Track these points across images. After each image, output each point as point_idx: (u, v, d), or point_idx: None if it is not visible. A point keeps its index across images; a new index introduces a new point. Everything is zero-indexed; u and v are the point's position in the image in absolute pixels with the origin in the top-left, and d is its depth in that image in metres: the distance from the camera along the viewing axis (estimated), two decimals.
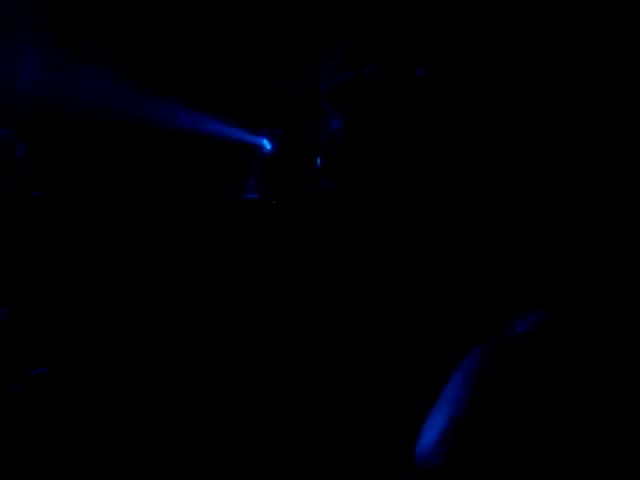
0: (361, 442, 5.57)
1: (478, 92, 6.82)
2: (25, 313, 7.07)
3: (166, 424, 5.99)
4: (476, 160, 6.82)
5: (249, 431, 5.75)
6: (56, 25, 8.81)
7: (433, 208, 6.86)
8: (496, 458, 1.14)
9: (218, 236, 8.45)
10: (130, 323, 7.46)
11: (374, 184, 7.17)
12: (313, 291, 7.13)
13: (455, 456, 1.22)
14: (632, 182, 5.91)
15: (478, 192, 6.75)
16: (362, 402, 6.21)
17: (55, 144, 9.12)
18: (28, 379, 4.34)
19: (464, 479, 1.18)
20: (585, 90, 6.27)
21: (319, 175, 7.96)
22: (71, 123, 8.96)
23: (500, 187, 6.67)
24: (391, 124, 6.99)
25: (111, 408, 6.07)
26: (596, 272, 5.63)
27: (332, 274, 7.06)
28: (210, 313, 7.56)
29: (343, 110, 7.51)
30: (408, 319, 6.42)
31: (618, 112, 6.11)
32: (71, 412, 5.77)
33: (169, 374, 6.71)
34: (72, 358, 6.57)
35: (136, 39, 8.75)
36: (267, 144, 8.68)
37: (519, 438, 1.22)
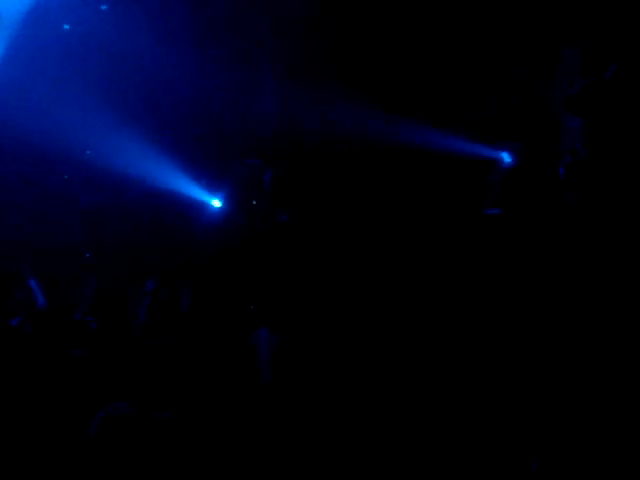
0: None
1: None
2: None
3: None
4: None
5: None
6: (292, 58, 9.18)
7: None
8: None
9: (462, 252, 8.23)
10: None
11: (624, 197, 6.53)
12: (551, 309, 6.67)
13: None
14: None
15: None
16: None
17: (295, 171, 9.50)
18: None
19: None
20: None
21: (562, 188, 7.44)
22: (309, 150, 9.29)
23: None
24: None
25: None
26: None
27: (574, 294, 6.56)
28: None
29: (584, 118, 6.95)
30: None
31: None
32: None
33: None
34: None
35: (365, 63, 8.83)
36: (506, 157, 8.32)
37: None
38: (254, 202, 9.99)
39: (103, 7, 10.01)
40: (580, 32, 7.40)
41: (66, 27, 10.11)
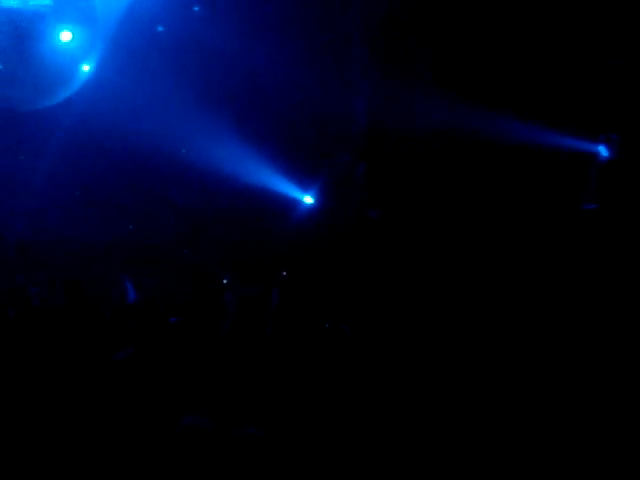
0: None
1: None
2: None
3: None
4: None
5: None
6: (381, 55, 9.08)
7: None
8: None
9: (561, 248, 7.96)
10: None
11: None
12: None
13: None
14: None
15: None
16: None
17: (387, 166, 9.39)
18: None
19: None
20: None
21: None
22: (400, 147, 9.17)
23: None
24: None
25: None
26: None
27: None
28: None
29: None
30: None
31: None
32: None
33: None
34: None
35: (456, 57, 8.63)
36: (603, 150, 7.96)
37: None
38: (345, 199, 9.95)
39: (196, 8, 10.19)
40: None
41: (160, 29, 10.35)
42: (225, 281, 8.95)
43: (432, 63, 8.93)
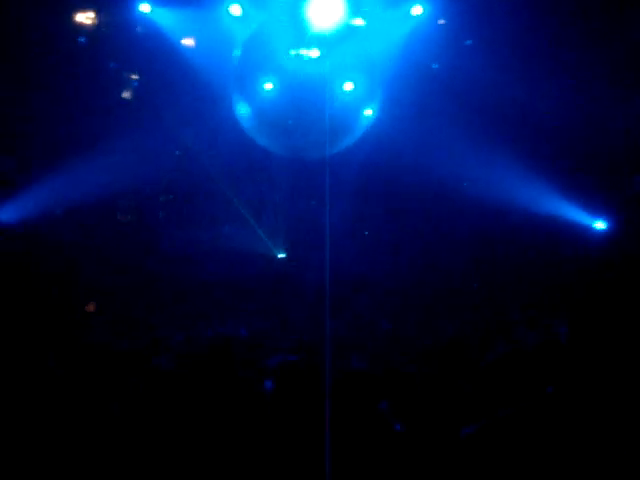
0: None
1: None
2: None
3: None
4: None
5: None
6: None
7: None
8: None
9: None
10: None
11: None
12: None
13: None
14: None
15: None
16: None
17: None
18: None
19: None
20: None
21: None
22: None
23: None
24: None
25: None
26: None
27: None
28: None
29: None
30: None
31: None
32: None
33: None
34: None
35: None
36: None
37: None
38: None
39: (468, 42, 10.20)
40: None
41: (435, 66, 10.50)
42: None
43: None
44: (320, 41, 9.87)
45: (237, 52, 10.17)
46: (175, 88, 10.38)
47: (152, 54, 10.27)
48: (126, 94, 10.80)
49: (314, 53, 10.00)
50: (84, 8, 10.25)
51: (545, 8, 9.48)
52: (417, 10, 9.84)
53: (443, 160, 10.26)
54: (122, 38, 10.26)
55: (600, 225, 9.85)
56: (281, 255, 11.61)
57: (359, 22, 9.73)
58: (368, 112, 10.53)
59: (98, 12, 10.26)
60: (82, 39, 10.27)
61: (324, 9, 9.48)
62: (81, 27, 10.33)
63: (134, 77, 10.87)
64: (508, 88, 9.74)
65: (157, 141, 10.43)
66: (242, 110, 10.52)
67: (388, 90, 10.53)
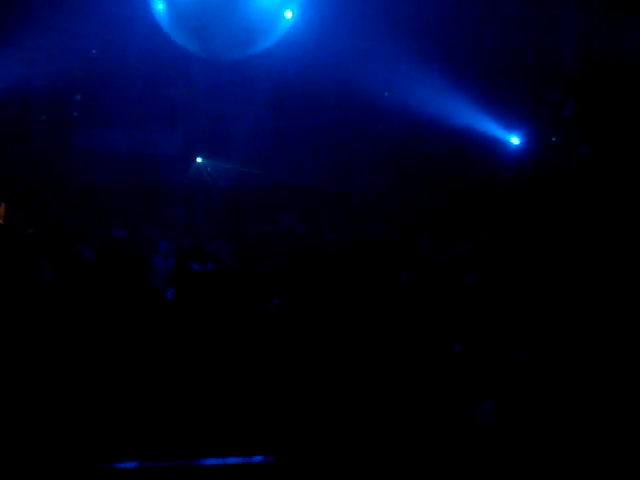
0: None
1: None
2: None
3: None
4: None
5: None
6: None
7: None
8: None
9: None
10: None
11: None
12: None
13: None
14: None
15: None
16: None
17: (598, 101, 8.54)
18: None
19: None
20: None
21: None
22: (612, 82, 8.26)
23: None
24: None
25: None
26: None
27: None
28: None
29: None
30: None
31: None
32: None
33: None
34: None
35: None
36: None
37: None
38: (554, 138, 9.21)
39: None
40: None
41: None
42: None
43: None
44: None
45: None
46: None
47: None
48: None
49: None
50: None
51: None
52: None
53: (365, 68, 9.99)
54: None
55: (515, 140, 9.78)
56: (199, 160, 11.34)
57: None
58: (288, 14, 10.06)
59: None
60: None
61: None
62: None
63: None
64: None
65: (71, 39, 9.99)
66: (159, 5, 10.00)
67: None
